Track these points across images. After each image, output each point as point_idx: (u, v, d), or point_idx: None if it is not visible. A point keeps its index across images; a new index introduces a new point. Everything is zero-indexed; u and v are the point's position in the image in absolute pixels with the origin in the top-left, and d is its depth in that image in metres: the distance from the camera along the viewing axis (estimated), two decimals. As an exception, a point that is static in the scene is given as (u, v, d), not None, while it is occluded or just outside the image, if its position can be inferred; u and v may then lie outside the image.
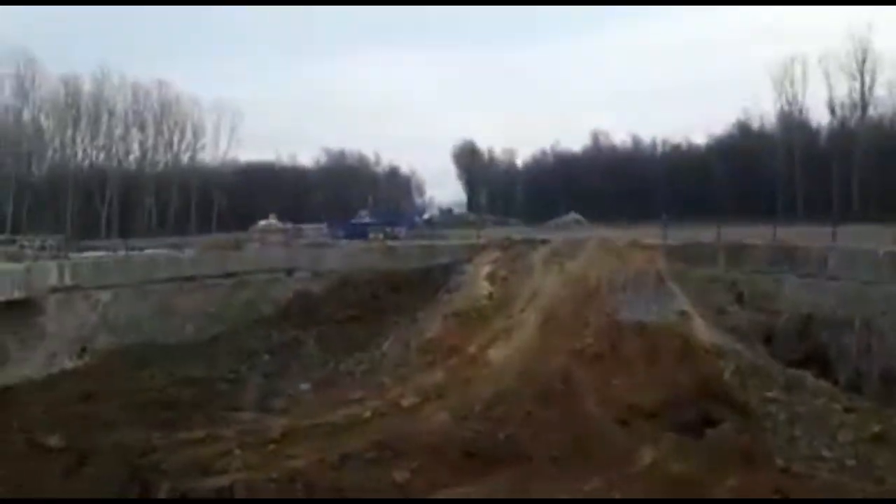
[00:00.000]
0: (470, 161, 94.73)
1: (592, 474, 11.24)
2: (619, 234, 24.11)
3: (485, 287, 19.02)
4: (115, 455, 12.29)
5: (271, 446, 12.10)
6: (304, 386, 16.81)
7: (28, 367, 19.41)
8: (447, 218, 68.51)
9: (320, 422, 13.09)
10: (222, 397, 16.55)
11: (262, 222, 54.16)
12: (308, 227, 43.06)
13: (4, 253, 28.60)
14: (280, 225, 47.91)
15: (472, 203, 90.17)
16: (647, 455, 11.80)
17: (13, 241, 36.32)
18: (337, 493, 10.41)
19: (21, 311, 20.97)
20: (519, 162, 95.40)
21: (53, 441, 14.02)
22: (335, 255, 26.77)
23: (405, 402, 13.59)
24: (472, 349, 15.78)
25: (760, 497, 10.32)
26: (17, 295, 20.63)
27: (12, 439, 14.41)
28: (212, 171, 79.97)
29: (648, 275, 17.58)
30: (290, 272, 25.31)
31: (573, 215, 55.95)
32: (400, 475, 10.89)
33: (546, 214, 58.39)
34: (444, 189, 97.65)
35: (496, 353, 15.52)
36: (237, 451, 11.73)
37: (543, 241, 22.04)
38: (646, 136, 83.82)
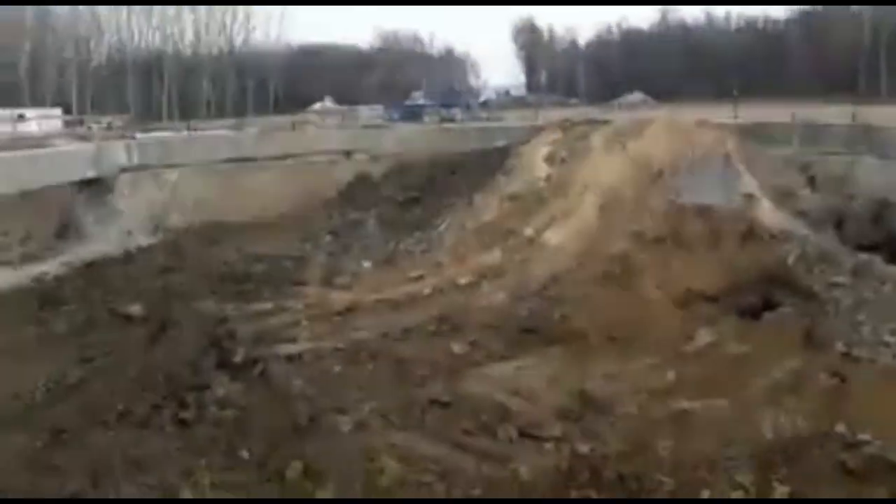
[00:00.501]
0: (529, 40, 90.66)
1: (649, 353, 11.43)
2: (686, 115, 23.03)
3: (542, 169, 18.70)
4: (192, 324, 13.02)
5: (336, 319, 12.64)
6: (366, 264, 17.28)
7: (105, 243, 20.54)
8: (504, 99, 66.71)
9: (382, 297, 13.53)
10: (288, 273, 17.18)
11: (318, 105, 54.11)
12: (363, 109, 42.74)
13: (74, 134, 29.66)
14: (336, 107, 47.75)
15: (530, 84, 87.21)
16: (704, 336, 11.89)
17: (81, 122, 37.55)
18: (398, 363, 10.93)
19: (94, 190, 21.97)
20: (581, 41, 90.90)
21: (135, 311, 15.07)
22: (392, 137, 26.69)
23: (462, 281, 13.87)
24: (528, 231, 15.80)
25: (818, 377, 10.32)
26: (89, 174, 21.57)
27: (97, 309, 15.62)
28: (266, 54, 79.03)
29: (715, 156, 16.88)
30: (348, 154, 25.47)
31: (638, 95, 53.60)
32: (458, 347, 11.32)
33: (609, 95, 55.98)
34: (501, 70, 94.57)
35: (553, 236, 15.51)
36: (305, 322, 12.30)
37: (605, 122, 21.30)
38: (720, 11, 78.18)
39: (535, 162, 19.18)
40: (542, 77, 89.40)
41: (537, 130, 22.62)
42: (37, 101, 59.19)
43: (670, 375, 10.79)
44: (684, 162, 16.91)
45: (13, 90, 59.74)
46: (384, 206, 22.47)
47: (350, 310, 13.03)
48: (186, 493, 8.29)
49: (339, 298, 13.87)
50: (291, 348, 11.16)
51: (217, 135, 28.08)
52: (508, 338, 11.81)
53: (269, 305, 13.69)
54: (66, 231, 21.55)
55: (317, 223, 21.71)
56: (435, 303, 12.98)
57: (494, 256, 14.87)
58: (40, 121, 38.76)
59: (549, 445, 8.72)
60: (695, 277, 13.33)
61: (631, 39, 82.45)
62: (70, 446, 9.88)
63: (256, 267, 17.71)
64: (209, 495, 8.25)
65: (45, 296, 16.26)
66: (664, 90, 53.12)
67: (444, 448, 8.47)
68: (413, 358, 10.96)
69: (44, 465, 9.41)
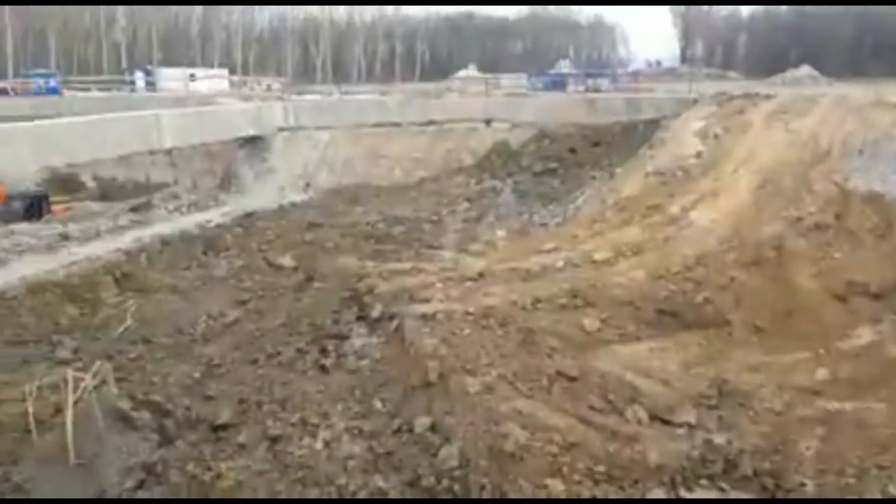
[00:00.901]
0: (685, 9, 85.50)
1: (797, 347, 10.68)
2: (861, 92, 20.85)
3: (693, 144, 17.68)
4: (335, 277, 13.88)
5: (469, 283, 12.75)
6: (500, 232, 17.34)
7: (262, 197, 22.09)
8: (655, 70, 63.50)
9: (514, 266, 13.51)
10: (426, 236, 17.66)
11: (462, 72, 54.33)
12: (506, 78, 42.43)
13: (238, 94, 31.88)
14: (479, 75, 47.75)
15: (685, 55, 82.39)
16: (863, 335, 10.88)
17: (244, 83, 40.31)
18: (527, 332, 10.91)
19: (254, 147, 23.59)
20: (744, 10, 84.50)
21: (286, 261, 16.26)
22: (533, 106, 26.35)
23: (599, 256, 13.50)
24: (673, 209, 15.05)
25: None
26: (251, 132, 23.16)
27: (253, 257, 16.98)
28: (416, 21, 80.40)
29: (892, 139, 15.16)
30: (488, 122, 25.48)
31: (806, 69, 48.94)
32: (590, 323, 11.10)
33: (773, 68, 51.68)
34: (653, 40, 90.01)
35: (700, 215, 14.68)
36: (439, 285, 12.54)
37: (767, 97, 19.73)
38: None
39: (686, 137, 18.20)
40: (698, 48, 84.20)
41: (690, 104, 21.44)
42: (206, 63, 64.17)
43: (821, 373, 10.03)
44: (855, 144, 15.33)
45: (187, 51, 65.11)
46: (521, 176, 22.37)
47: (482, 276, 13.11)
48: (324, 434, 8.82)
49: (472, 264, 14.02)
50: (425, 308, 11.40)
51: (366, 99, 29.08)
52: (644, 318, 11.42)
53: (406, 266, 14.13)
54: (227, 184, 23.38)
55: (454, 189, 22.00)
56: (568, 276, 12.73)
57: (634, 233, 14.33)
58: (209, 80, 42.01)
59: (680, 431, 8.42)
60: (858, 270, 12.14)
61: (801, 10, 75.34)
62: (223, 379, 10.90)
63: (396, 228, 18.32)
64: (344, 439, 8.74)
65: (208, 242, 17.85)
66: (834, 65, 48.28)
67: (569, 421, 8.40)
68: (542, 329, 10.86)
69: (200, 393, 10.46)
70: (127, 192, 25.40)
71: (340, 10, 79.47)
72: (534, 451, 7.73)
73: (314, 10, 78.20)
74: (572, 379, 9.29)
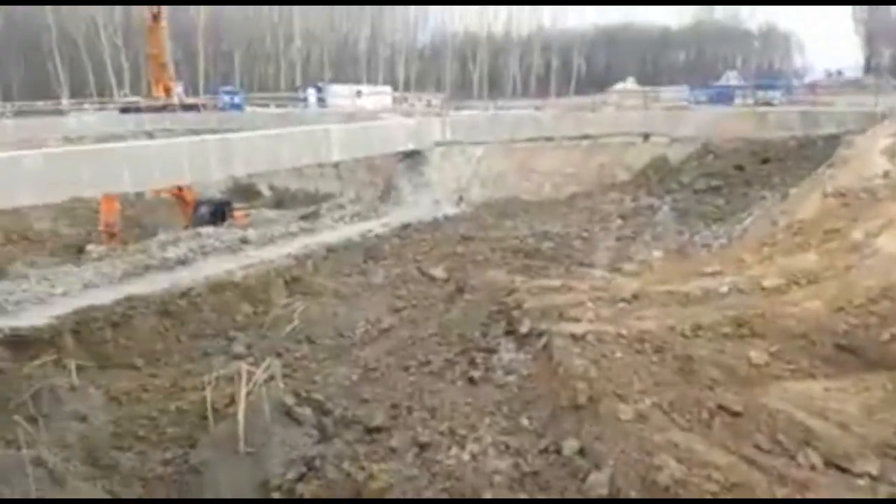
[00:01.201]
0: (869, 14, 77.68)
1: None
2: None
3: (880, 164, 15.92)
4: (485, 290, 13.94)
5: (621, 305, 12.22)
6: (656, 253, 16.66)
7: (418, 209, 22.86)
8: (835, 82, 58.20)
9: (672, 289, 12.79)
10: (576, 253, 17.39)
11: (619, 85, 53.06)
12: (667, 91, 40.83)
13: (399, 109, 33.29)
14: (637, 88, 46.38)
15: (869, 65, 74.88)
16: None
17: (405, 100, 42.05)
18: (685, 361, 10.29)
19: (413, 161, 24.48)
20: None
21: (438, 272, 16.71)
22: (696, 120, 25.08)
23: (768, 283, 12.43)
24: (856, 234, 13.56)
25: None
26: (410, 146, 24.06)
27: (408, 267, 17.63)
28: (573, 34, 79.64)
29: None
30: (646, 137, 24.63)
31: None
32: (757, 355, 10.20)
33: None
34: (832, 49, 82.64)
35: (887, 242, 13.12)
36: (590, 304, 12.15)
37: (975, 112, 17.43)
38: None
39: (872, 155, 16.45)
40: (885, 57, 76.15)
41: (876, 118, 19.43)
42: (371, 80, 67.72)
43: None
44: None
45: (354, 69, 69.11)
46: (680, 193, 21.35)
47: (636, 297, 12.54)
48: (472, 447, 8.88)
49: (626, 285, 13.48)
50: (575, 327, 11.09)
51: (520, 114, 29.20)
52: (819, 353, 10.34)
53: (555, 283, 13.88)
54: (387, 196, 24.45)
55: (607, 206, 21.46)
56: (733, 303, 11.83)
57: (810, 259, 13.08)
58: (374, 97, 44.29)
59: (861, 482, 7.53)
60: None
61: None
62: (378, 383, 11.36)
63: (545, 244, 18.17)
64: (490, 453, 8.74)
65: (368, 250, 18.78)
66: None
67: (731, 459, 7.80)
68: (702, 358, 10.16)
69: (356, 395, 10.97)
70: (298, 202, 27.39)
71: (498, 25, 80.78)
72: (690, 488, 7.27)
73: (473, 24, 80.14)
74: (735, 414, 8.60)
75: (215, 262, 17.16)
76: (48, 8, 56.69)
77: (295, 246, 18.42)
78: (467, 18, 79.93)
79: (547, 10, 79.35)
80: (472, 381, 10.82)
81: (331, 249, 18.35)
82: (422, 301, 15.03)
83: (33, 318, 13.10)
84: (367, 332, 13.67)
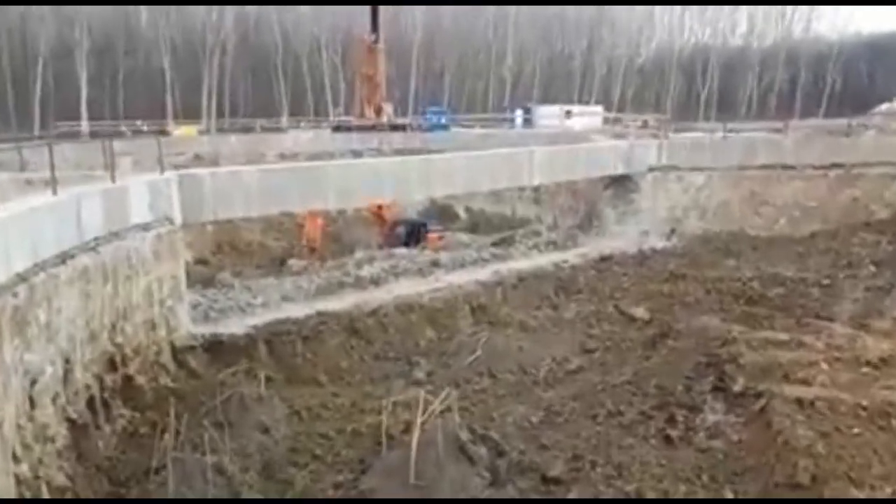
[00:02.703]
0: None
1: None
2: None
3: None
4: (693, 337, 13.24)
5: (865, 369, 11.08)
6: (919, 310, 14.63)
7: (622, 240, 22.30)
8: None
9: (937, 356, 11.26)
10: (812, 303, 15.94)
11: (885, 105, 47.55)
12: (951, 112, 35.90)
13: (610, 131, 32.87)
14: (910, 109, 41.31)
15: None
16: None
17: (618, 120, 41.43)
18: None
19: (620, 187, 23.97)
20: None
21: (639, 312, 16.22)
22: None
23: None
24: None
25: None
26: (619, 170, 23.59)
27: (604, 303, 17.27)
28: (827, 45, 73.17)
29: None
30: (919, 168, 21.75)
31: None
32: None
33: None
34: None
35: None
36: (824, 365, 11.10)
37: None
38: None
39: None
40: None
41: None
42: (584, 99, 67.78)
43: None
44: None
45: (566, 87, 69.67)
46: (964, 239, 18.61)
47: (885, 362, 11.24)
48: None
49: (873, 346, 12.06)
50: (802, 391, 10.17)
51: (754, 137, 27.35)
52: None
53: (782, 336, 12.83)
54: (588, 224, 24.17)
55: (857, 248, 19.29)
56: None
57: None
58: (584, 117, 44.25)
59: None
60: None
61: None
62: (560, 429, 11.25)
63: (774, 289, 16.88)
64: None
65: (560, 282, 18.69)
66: None
67: None
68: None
69: (535, 439, 10.93)
70: (493, 226, 28.05)
71: (736, 35, 76.74)
72: None
73: (705, 36, 76.98)
74: None
75: (406, 283, 18.09)
76: (276, 26, 64.49)
77: (486, 272, 18.86)
78: (698, 29, 77.17)
79: (798, 15, 73.84)
80: (668, 440, 10.46)
81: (521, 278, 18.53)
82: (617, 343, 14.72)
83: (232, 326, 14.72)
84: (552, 372, 13.63)
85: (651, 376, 12.28)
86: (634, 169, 23.73)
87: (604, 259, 20.48)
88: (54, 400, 9.38)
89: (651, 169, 23.88)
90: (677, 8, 75.76)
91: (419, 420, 9.83)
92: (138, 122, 45.19)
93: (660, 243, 22.07)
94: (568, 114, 44.61)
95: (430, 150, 28.17)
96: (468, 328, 15.90)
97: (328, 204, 18.62)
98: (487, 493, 9.35)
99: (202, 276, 19.77)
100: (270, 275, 19.48)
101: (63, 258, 10.14)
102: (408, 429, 10.28)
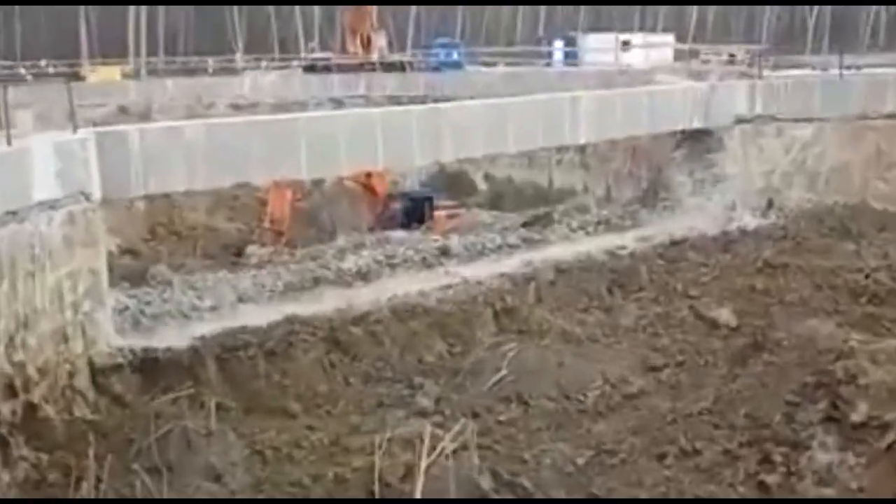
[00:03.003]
0: None
1: None
2: None
3: None
4: (797, 350, 13.31)
5: None
6: None
7: (700, 218, 22.18)
8: None
9: None
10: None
11: None
12: None
13: (685, 69, 32.67)
14: None
15: None
16: None
17: (695, 54, 41.20)
18: None
19: (697, 145, 23.84)
20: None
21: (723, 316, 16.18)
22: None
23: None
24: None
25: None
26: (695, 124, 23.45)
27: (675, 304, 17.27)
28: None
29: None
30: None
31: None
32: None
33: None
34: None
35: None
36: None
37: None
38: None
39: None
40: None
41: None
42: (647, 26, 67.47)
43: None
44: None
45: (624, 12, 69.31)
46: None
47: None
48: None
49: None
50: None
51: (882, 76, 27.13)
52: None
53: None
54: (653, 196, 24.07)
55: None
56: None
57: None
58: (647, 50, 44.06)
59: None
60: None
61: None
62: (615, 473, 11.31)
63: (908, 284, 16.98)
64: None
65: (616, 276, 18.66)
66: None
67: None
68: None
69: (581, 488, 10.99)
70: (523, 199, 28.09)
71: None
72: None
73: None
74: None
75: (406, 278, 18.09)
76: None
77: (513, 263, 18.80)
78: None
79: None
80: (763, 486, 10.59)
81: (561, 271, 18.41)
82: (693, 358, 14.77)
83: (171, 337, 14.70)
84: (604, 397, 13.63)
85: (740, 403, 12.36)
86: (715, 121, 23.57)
87: (675, 244, 20.38)
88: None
89: (739, 121, 23.74)
90: None
91: (424, 462, 9.88)
92: (42, 63, 45.48)
93: (752, 221, 22.00)
94: (626, 45, 44.49)
95: (438, 98, 28.17)
96: (490, 339, 15.90)
97: (300, 172, 18.58)
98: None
99: (131, 270, 19.89)
100: (223, 268, 19.57)
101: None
102: (409, 474, 10.32)
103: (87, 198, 13.87)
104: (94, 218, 14.08)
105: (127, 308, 15.58)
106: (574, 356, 15.11)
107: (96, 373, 13.40)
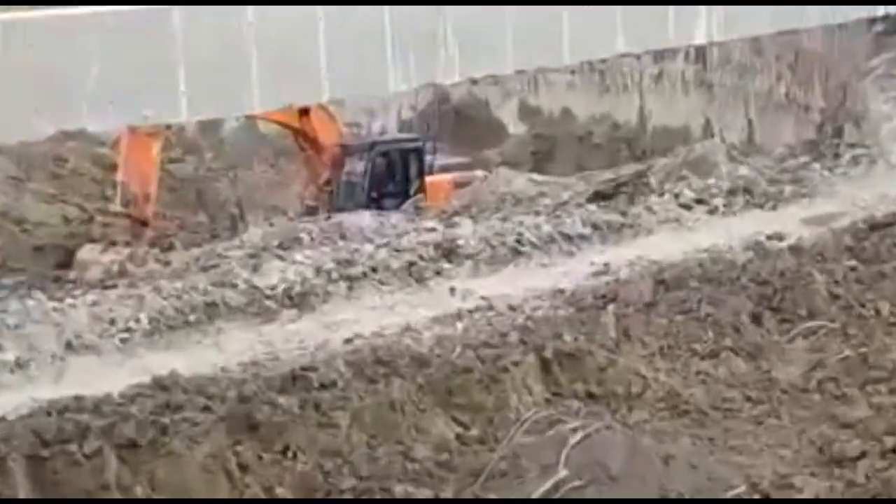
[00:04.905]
0: None
1: None
2: None
3: None
4: None
5: None
6: None
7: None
8: None
9: None
10: None
11: None
12: None
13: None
14: None
15: None
16: None
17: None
18: None
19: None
20: None
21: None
22: None
23: None
24: None
25: None
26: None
27: (881, 342, 16.92)
28: None
29: None
30: None
31: None
32: None
33: None
34: None
35: None
36: None
37: None
38: None
39: None
40: None
41: None
42: None
43: None
44: None
45: None
46: None
47: None
48: None
49: None
50: None
51: None
52: None
53: None
54: (830, 139, 23.93)
55: None
56: None
57: None
58: None
59: None
60: None
61: None
62: None
63: None
64: None
65: (767, 289, 18.43)
66: None
67: None
68: None
69: None
70: (592, 150, 27.87)
71: None
72: None
73: None
74: None
75: (375, 301, 18.08)
76: None
77: (576, 270, 18.97)
78: None
79: None
80: None
81: (666, 283, 18.34)
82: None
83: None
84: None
85: None
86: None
87: (876, 228, 20.24)
88: None
89: None
90: None
91: None
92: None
93: None
94: None
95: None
96: (534, 412, 15.52)
97: (179, 111, 18.24)
98: None
99: None
100: (37, 289, 19.46)
101: None
102: None
103: None
104: None
105: None
106: (693, 443, 14.81)
107: None
